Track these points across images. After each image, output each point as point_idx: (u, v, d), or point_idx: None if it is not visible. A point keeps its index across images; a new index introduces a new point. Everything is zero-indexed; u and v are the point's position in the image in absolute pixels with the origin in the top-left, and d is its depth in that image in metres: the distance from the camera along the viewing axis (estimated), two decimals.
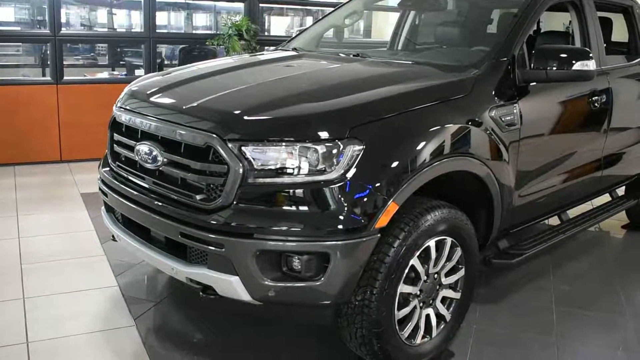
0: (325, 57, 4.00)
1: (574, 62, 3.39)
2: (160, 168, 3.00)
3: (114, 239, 3.51)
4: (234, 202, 2.71)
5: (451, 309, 3.28)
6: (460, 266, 3.24)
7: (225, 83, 3.45)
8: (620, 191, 5.21)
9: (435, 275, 3.12)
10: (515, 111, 3.36)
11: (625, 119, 4.52)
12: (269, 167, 2.70)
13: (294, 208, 2.69)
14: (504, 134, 3.29)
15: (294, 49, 4.28)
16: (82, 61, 9.63)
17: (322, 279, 2.70)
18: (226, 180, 2.71)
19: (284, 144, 2.69)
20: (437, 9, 4.72)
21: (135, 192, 3.14)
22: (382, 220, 2.73)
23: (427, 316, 3.16)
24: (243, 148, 2.69)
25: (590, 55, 3.44)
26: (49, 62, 7.07)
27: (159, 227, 3.02)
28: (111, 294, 3.96)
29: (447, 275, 3.19)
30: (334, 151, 2.67)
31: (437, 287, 3.16)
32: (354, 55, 3.88)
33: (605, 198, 5.03)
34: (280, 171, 2.69)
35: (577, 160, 4.01)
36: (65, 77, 7.02)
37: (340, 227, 2.66)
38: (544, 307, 3.98)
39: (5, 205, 5.61)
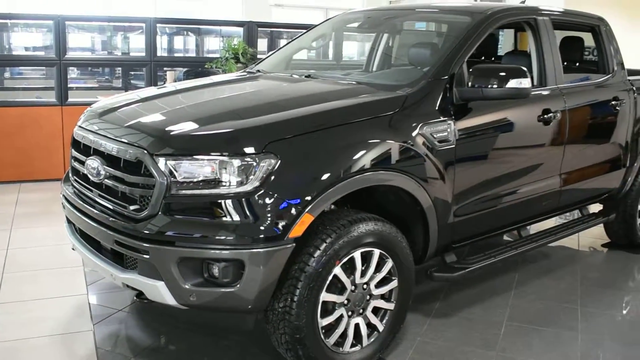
0: (278, 78, 4.17)
1: (508, 80, 3.49)
2: (103, 181, 3.20)
3: (73, 249, 3.71)
4: (159, 212, 2.90)
5: (385, 319, 3.38)
6: (392, 277, 3.34)
7: (171, 102, 3.68)
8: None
9: (365, 286, 3.23)
10: (450, 128, 3.47)
11: (586, 138, 4.57)
12: (191, 179, 2.88)
13: (212, 218, 2.87)
14: (437, 151, 3.40)
15: (258, 71, 4.47)
16: (97, 84, 10.03)
17: (239, 285, 2.86)
18: (153, 192, 2.90)
19: (205, 158, 2.88)
20: (391, 33, 4.86)
21: (85, 205, 3.35)
22: (297, 230, 2.88)
23: (357, 325, 3.26)
24: (168, 162, 2.89)
25: (526, 73, 3.53)
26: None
27: (101, 236, 3.22)
28: (78, 302, 4.18)
29: (378, 285, 3.30)
30: (250, 165, 2.84)
31: (368, 297, 3.27)
32: (305, 76, 4.04)
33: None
34: (201, 184, 2.88)
35: (526, 178, 4.08)
36: (70, 99, 7.33)
37: (253, 236, 2.82)
38: (495, 322, 4.03)
39: (2, 219, 5.89)
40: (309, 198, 2.89)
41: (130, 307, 4.11)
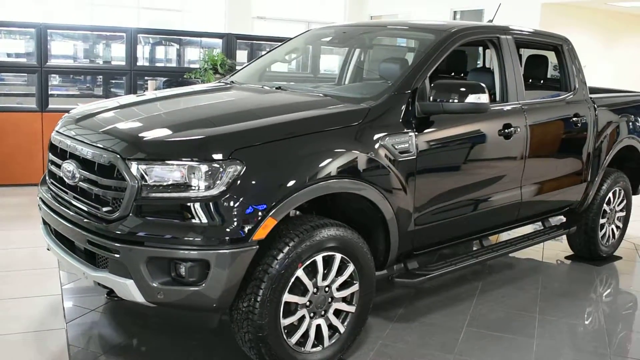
0: (249, 89, 4.33)
1: (467, 95, 3.67)
2: (78, 184, 3.34)
3: (48, 249, 3.83)
4: (130, 214, 3.05)
5: (346, 321, 3.53)
6: (354, 281, 3.50)
7: (145, 110, 3.84)
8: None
9: (327, 288, 3.39)
10: (411, 140, 3.65)
11: (546, 152, 4.77)
12: (161, 183, 3.03)
13: (180, 220, 3.02)
14: (398, 162, 3.58)
15: (232, 82, 4.63)
16: (79, 91, 10.14)
17: (204, 284, 3.00)
18: (125, 194, 3.05)
19: (174, 163, 3.03)
20: (361, 48, 5.05)
21: (60, 206, 3.49)
22: (260, 233, 3.03)
23: (319, 326, 3.41)
24: (140, 166, 3.04)
25: (484, 89, 3.72)
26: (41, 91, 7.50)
27: (75, 236, 3.35)
28: (52, 301, 4.30)
29: (340, 289, 3.45)
30: (217, 171, 3.00)
31: (329, 299, 3.42)
32: (276, 88, 4.21)
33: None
34: (171, 187, 3.03)
35: (485, 189, 4.26)
36: (50, 106, 7.45)
37: (219, 237, 2.98)
38: (455, 328, 4.20)
39: None
40: (272, 203, 3.05)
41: (103, 307, 4.24)
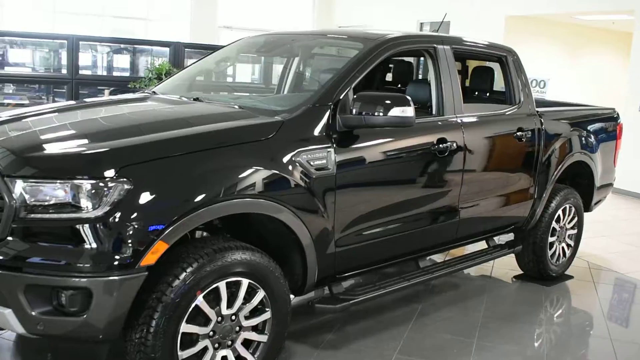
0: (165, 100, 4.05)
1: (391, 108, 3.43)
2: None
3: None
4: (7, 237, 2.74)
5: (257, 352, 3.26)
6: (265, 309, 3.23)
7: (44, 122, 3.55)
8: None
9: (233, 317, 3.11)
10: (330, 156, 3.39)
11: (487, 168, 4.54)
12: (41, 203, 2.74)
13: (61, 244, 2.74)
14: (314, 179, 3.32)
15: (153, 92, 4.35)
16: (28, 100, 9.81)
17: (86, 314, 2.72)
18: (2, 215, 2.75)
19: (56, 181, 2.74)
20: (299, 56, 4.79)
21: None
22: (149, 259, 2.76)
23: (225, 358, 3.14)
24: (19, 184, 2.74)
25: (409, 102, 3.48)
26: None
27: None
28: None
29: (249, 317, 3.18)
30: (101, 189, 2.72)
31: (237, 328, 3.15)
32: (194, 99, 3.93)
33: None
34: (52, 208, 2.74)
35: (418, 208, 4.01)
36: None
37: (101, 263, 2.69)
38: (383, 356, 3.94)
39: None
40: (163, 225, 2.77)
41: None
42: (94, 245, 2.70)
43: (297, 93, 4.04)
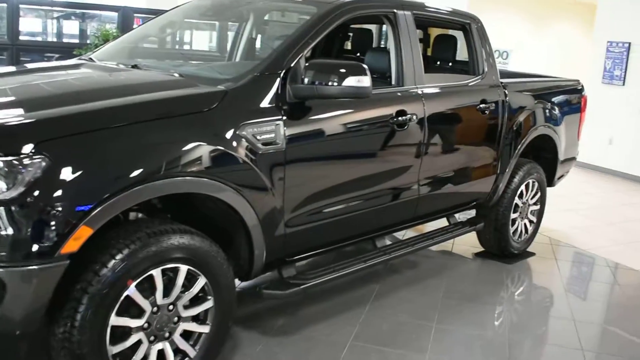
0: (100, 67, 3.68)
1: (346, 77, 3.14)
2: None
3: None
4: None
5: (198, 344, 2.99)
6: (207, 297, 2.95)
7: None
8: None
9: (171, 307, 2.83)
10: (279, 130, 3.10)
11: (449, 142, 4.30)
12: None
13: None
14: (261, 155, 3.03)
15: (90, 59, 3.98)
16: None
17: (0, 307, 2.40)
18: None
19: None
20: (248, 22, 4.43)
21: None
22: (71, 246, 2.44)
23: (162, 352, 2.86)
24: None
25: (366, 71, 3.19)
26: None
27: None
28: None
29: (189, 306, 2.90)
30: (16, 168, 2.38)
31: (175, 319, 2.86)
32: (131, 66, 3.58)
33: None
34: None
35: (375, 185, 3.76)
36: None
37: (15, 251, 2.38)
38: (338, 343, 3.70)
39: None
40: (86, 208, 2.46)
41: None
42: (7, 231, 2.37)
43: (245, 61, 3.71)
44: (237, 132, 2.94)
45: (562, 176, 5.93)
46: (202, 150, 2.80)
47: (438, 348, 3.75)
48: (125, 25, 7.41)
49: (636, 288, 5.10)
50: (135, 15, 7.66)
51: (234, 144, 2.92)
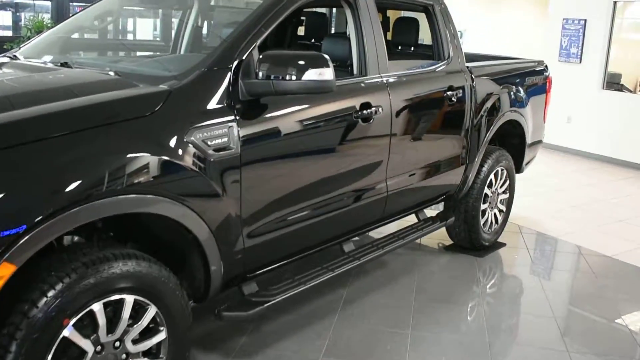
0: (24, 67, 3.24)
1: (305, 70, 2.78)
2: None
3: None
4: None
5: None
6: (159, 328, 2.58)
7: None
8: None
9: (117, 343, 2.44)
10: (232, 132, 2.72)
11: (416, 135, 3.98)
12: None
13: None
14: (213, 162, 2.65)
15: (14, 56, 3.52)
16: None
17: None
18: None
19: None
20: (185, 9, 4.00)
21: None
22: None
23: None
24: None
25: (328, 62, 2.84)
26: None
27: None
28: None
29: (138, 341, 2.52)
30: None
31: (124, 356, 2.48)
32: (61, 64, 3.14)
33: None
34: None
35: (341, 187, 3.42)
36: None
37: None
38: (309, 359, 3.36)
39: None
40: (6, 242, 2.05)
41: None
42: None
43: (191, 54, 3.31)
44: (185, 139, 2.56)
45: (530, 161, 5.70)
46: (144, 162, 2.41)
47: (417, 357, 3.45)
48: (61, 16, 6.87)
49: (611, 276, 4.89)
50: (74, 3, 7.10)
51: (181, 152, 2.54)
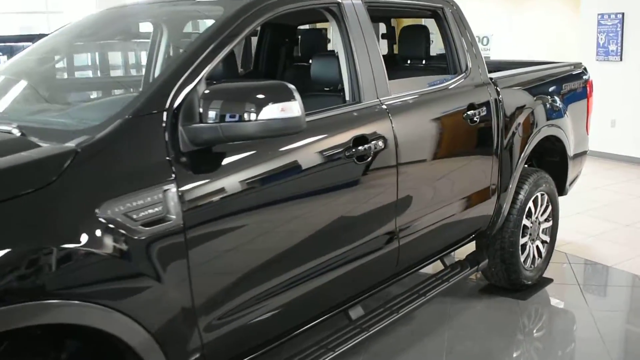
0: None
1: (263, 107, 2.08)
2: None
3: None
4: None
5: None
6: None
7: None
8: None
9: None
10: (168, 198, 2.02)
11: (431, 167, 3.25)
12: None
13: None
14: (143, 240, 1.95)
15: None
16: None
17: None
18: None
19: None
20: (163, 36, 3.30)
21: None
22: None
23: None
24: None
25: (292, 93, 2.13)
26: None
27: None
28: None
29: None
30: None
31: None
32: None
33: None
34: None
35: (334, 247, 2.70)
36: None
37: None
38: None
39: None
40: None
41: None
42: None
43: (119, 96, 2.63)
44: (97, 215, 1.86)
45: (574, 180, 4.90)
46: (38, 257, 1.72)
47: None
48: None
49: None
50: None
51: (90, 234, 1.84)
